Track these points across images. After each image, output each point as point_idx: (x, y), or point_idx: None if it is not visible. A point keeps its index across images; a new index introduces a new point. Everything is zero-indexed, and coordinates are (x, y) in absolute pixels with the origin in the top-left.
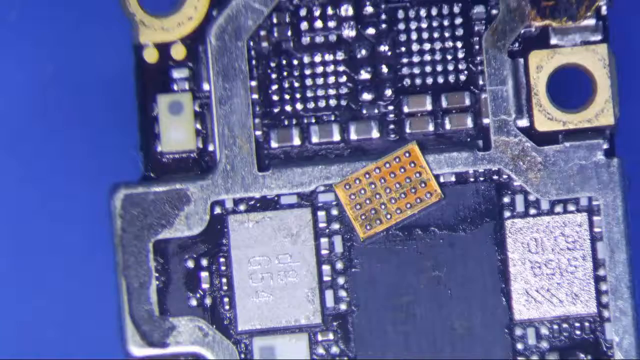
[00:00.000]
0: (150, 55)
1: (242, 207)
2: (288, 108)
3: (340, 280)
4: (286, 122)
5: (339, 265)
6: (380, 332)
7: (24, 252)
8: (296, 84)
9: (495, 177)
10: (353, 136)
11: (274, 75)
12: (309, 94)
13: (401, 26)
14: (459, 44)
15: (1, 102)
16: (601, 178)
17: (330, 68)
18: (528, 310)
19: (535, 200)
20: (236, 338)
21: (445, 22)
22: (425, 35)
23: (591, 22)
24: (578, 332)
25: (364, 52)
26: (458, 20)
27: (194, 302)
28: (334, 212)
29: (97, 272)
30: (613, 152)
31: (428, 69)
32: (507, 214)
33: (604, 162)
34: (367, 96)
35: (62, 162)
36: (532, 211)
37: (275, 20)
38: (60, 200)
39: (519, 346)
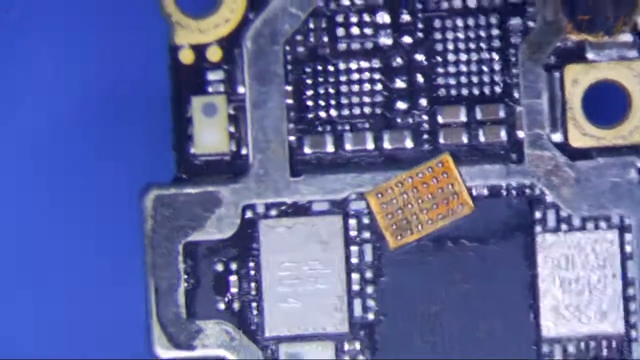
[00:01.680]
0: (186, 57)
1: (273, 212)
2: (322, 114)
3: (369, 290)
4: (320, 128)
5: (368, 274)
6: (407, 342)
7: (54, 250)
8: (331, 90)
9: (527, 191)
10: (387, 145)
11: (309, 81)
12: (344, 100)
13: (437, 35)
14: (495, 56)
15: (38, 101)
16: (634, 196)
17: (366, 75)
18: (556, 327)
19: (567, 216)
20: (263, 343)
21: (482, 33)
22: (461, 45)
23: (628, 37)
24: (605, 351)
25: (399, 60)
26: (495, 32)
27: (222, 306)
28: (365, 220)
29: (127, 273)
30: None
31: (463, 79)
32: (538, 228)
33: (637, 180)
34: (401, 105)
35: (94, 162)
36: (564, 227)
37: (311, 26)
38: (92, 200)
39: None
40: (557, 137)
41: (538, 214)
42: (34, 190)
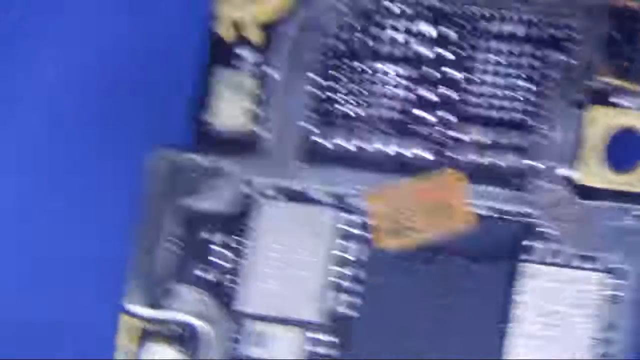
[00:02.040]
0: (225, 30)
1: (273, 193)
2: (346, 109)
3: (351, 286)
4: (338, 122)
5: (353, 271)
6: (378, 344)
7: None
8: (362, 89)
9: (526, 219)
10: (401, 150)
11: (342, 76)
12: (372, 99)
13: (479, 55)
14: (532, 86)
15: (59, 57)
16: (629, 243)
17: (401, 81)
18: (522, 355)
19: (559, 250)
20: (234, 318)
21: (523, 61)
22: (503, 70)
23: None
24: None
25: (437, 74)
26: (535, 62)
27: (202, 274)
28: (362, 219)
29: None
30: None
31: (494, 102)
32: (526, 257)
33: (635, 227)
34: (430, 117)
35: (115, 122)
36: (554, 260)
37: (356, 24)
38: (105, 159)
39: None
40: (569, 172)
41: (530, 243)
42: (52, 146)
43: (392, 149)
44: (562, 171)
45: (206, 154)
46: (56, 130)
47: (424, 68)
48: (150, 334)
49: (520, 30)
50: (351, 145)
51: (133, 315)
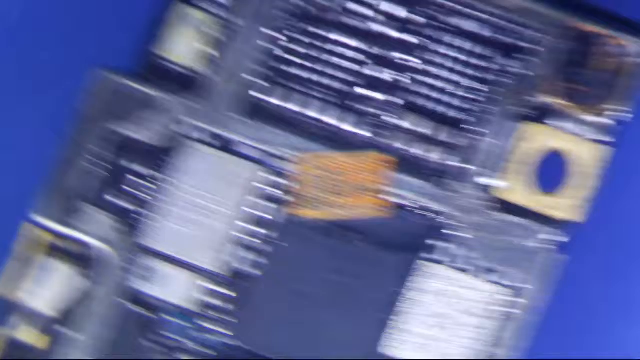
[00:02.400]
0: None
1: (204, 137)
2: (296, 71)
3: (256, 244)
4: (285, 83)
5: (262, 231)
6: (267, 308)
7: None
8: (317, 56)
9: (438, 218)
10: (337, 122)
11: (301, 39)
12: (324, 67)
13: (437, 48)
14: (480, 88)
15: None
16: (536, 266)
17: (356, 55)
18: (397, 349)
19: (463, 256)
20: (135, 249)
21: (482, 63)
22: (456, 67)
23: (606, 122)
24: None
25: (394, 54)
26: (489, 65)
27: (114, 201)
28: (283, 181)
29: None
30: (565, 249)
31: (440, 96)
32: (428, 255)
33: (550, 253)
34: (378, 95)
35: (64, 39)
36: (455, 264)
37: None
38: (51, 73)
39: None
40: (492, 182)
41: (434, 242)
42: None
43: (330, 120)
44: (486, 180)
45: (147, 85)
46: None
47: (381, 47)
48: (50, 248)
49: (481, 31)
50: (291, 108)
51: (38, 226)
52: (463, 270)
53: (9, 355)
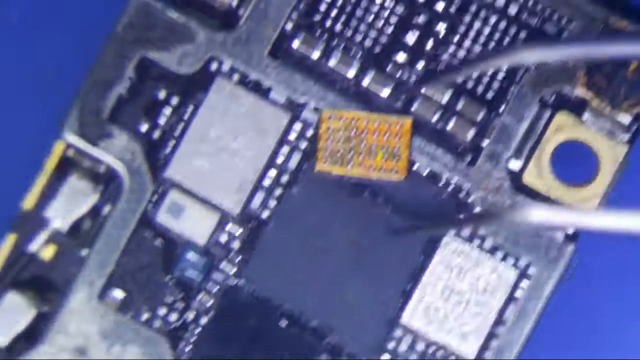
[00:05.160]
0: None
1: (234, 77)
2: (328, 23)
3: (276, 192)
4: (319, 33)
5: (283, 179)
6: (282, 257)
7: None
8: (352, 10)
9: (461, 194)
10: (366, 82)
11: None
12: (353, 23)
13: (467, 18)
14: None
15: None
16: (550, 253)
17: (391, 17)
18: (417, 320)
19: (482, 235)
20: (158, 180)
21: (507, 40)
22: (482, 39)
23: (626, 120)
24: None
25: (422, 19)
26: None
27: (142, 128)
28: (308, 133)
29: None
30: (575, 238)
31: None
32: (450, 231)
33: (560, 241)
34: (401, 57)
35: None
36: (474, 242)
37: None
38: None
39: (390, 345)
40: (516, 165)
41: (456, 215)
42: None
43: (360, 78)
44: (511, 162)
45: (186, 14)
46: None
47: (417, 12)
48: (76, 166)
49: (513, 9)
50: (324, 60)
51: (67, 143)
52: (483, 249)
53: (13, 262)
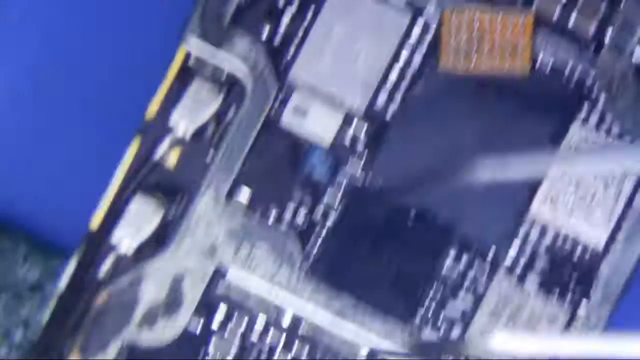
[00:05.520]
0: None
1: None
2: None
3: (400, 91)
4: None
5: (406, 78)
6: (408, 155)
7: None
8: None
9: (587, 82)
10: None
11: None
12: None
13: None
14: None
15: None
16: None
17: None
18: (545, 211)
19: (610, 122)
20: (282, 83)
21: None
22: None
23: None
24: (577, 254)
25: None
26: None
27: (264, 34)
28: (429, 35)
29: None
30: None
31: None
32: (577, 122)
33: None
34: None
35: None
36: (602, 127)
37: None
38: None
39: (520, 232)
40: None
41: (585, 107)
42: None
43: None
44: (635, 51)
45: None
46: None
47: None
48: (198, 74)
49: None
50: None
51: (190, 49)
52: (612, 135)
53: (139, 168)
